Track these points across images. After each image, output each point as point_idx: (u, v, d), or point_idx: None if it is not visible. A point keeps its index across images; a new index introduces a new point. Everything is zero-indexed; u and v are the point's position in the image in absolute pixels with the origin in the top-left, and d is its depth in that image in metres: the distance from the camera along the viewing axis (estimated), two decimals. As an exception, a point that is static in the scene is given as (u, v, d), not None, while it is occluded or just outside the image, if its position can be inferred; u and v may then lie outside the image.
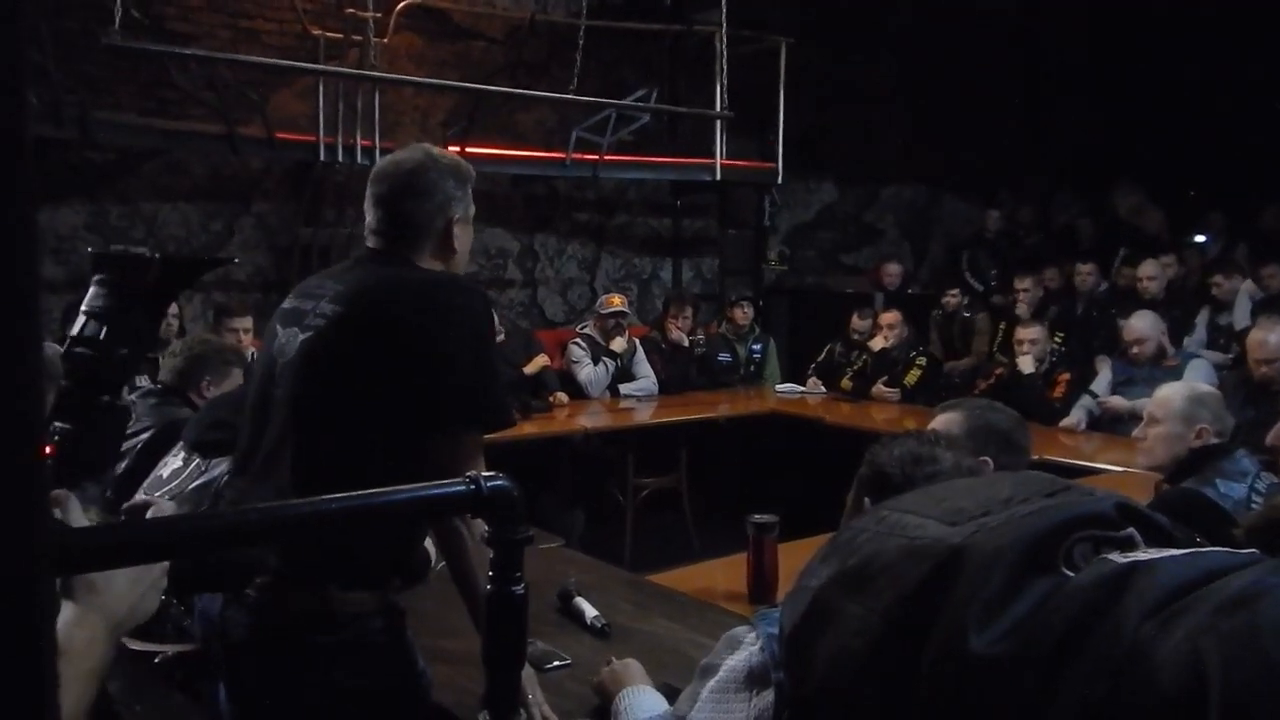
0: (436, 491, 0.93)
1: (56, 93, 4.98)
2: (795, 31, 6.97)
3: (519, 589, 0.96)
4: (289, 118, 5.89)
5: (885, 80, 8.20)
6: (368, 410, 1.71)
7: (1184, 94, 7.76)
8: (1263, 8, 6.89)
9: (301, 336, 1.76)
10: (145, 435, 2.76)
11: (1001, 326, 6.31)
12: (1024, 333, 5.23)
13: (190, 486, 2.40)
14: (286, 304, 1.88)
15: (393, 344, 1.71)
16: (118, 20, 4.56)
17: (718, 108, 6.64)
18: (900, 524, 0.86)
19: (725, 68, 6.34)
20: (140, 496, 2.48)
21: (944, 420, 2.17)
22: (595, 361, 5.87)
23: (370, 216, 1.87)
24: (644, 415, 5.75)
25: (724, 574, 2.71)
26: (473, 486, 0.91)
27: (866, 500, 1.58)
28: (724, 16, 6.16)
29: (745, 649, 1.12)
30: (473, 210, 1.94)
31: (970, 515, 0.82)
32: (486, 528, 0.96)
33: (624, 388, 5.95)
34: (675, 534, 5.55)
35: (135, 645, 2.02)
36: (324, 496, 0.86)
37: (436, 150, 1.91)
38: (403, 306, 1.74)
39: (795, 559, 2.47)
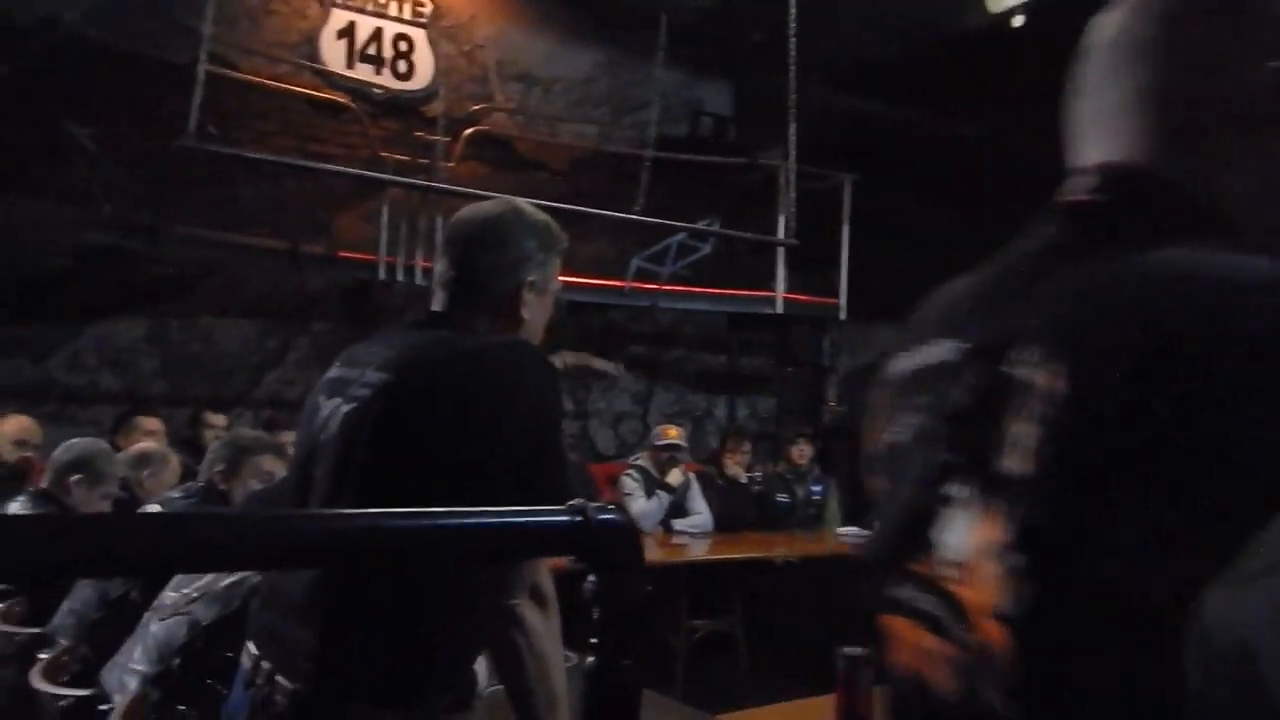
0: (528, 520, 0.71)
1: (128, 204, 5.01)
2: (859, 170, 6.94)
3: (632, 663, 0.72)
4: (352, 240, 5.91)
5: (949, 225, 8.12)
6: (414, 493, 1.45)
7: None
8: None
9: (344, 408, 1.54)
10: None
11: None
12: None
13: (221, 585, 2.19)
14: (331, 372, 1.66)
15: (442, 417, 1.47)
16: (192, 125, 4.59)
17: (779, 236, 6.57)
18: None
19: (792, 197, 6.28)
20: (169, 593, 2.27)
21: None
22: (648, 494, 5.62)
23: (438, 267, 1.67)
24: (698, 552, 5.45)
25: (806, 716, 2.40)
26: (578, 518, 0.70)
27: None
28: (792, 145, 6.12)
29: None
30: (555, 283, 1.70)
31: None
32: (591, 580, 0.73)
33: (677, 523, 5.68)
34: (729, 681, 5.17)
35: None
36: (381, 511, 0.65)
37: (527, 205, 1.70)
38: (455, 376, 1.50)
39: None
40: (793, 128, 6.10)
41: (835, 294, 7.03)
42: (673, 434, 5.79)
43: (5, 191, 4.89)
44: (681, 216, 6.56)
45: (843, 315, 7.11)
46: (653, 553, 5.25)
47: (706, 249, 6.63)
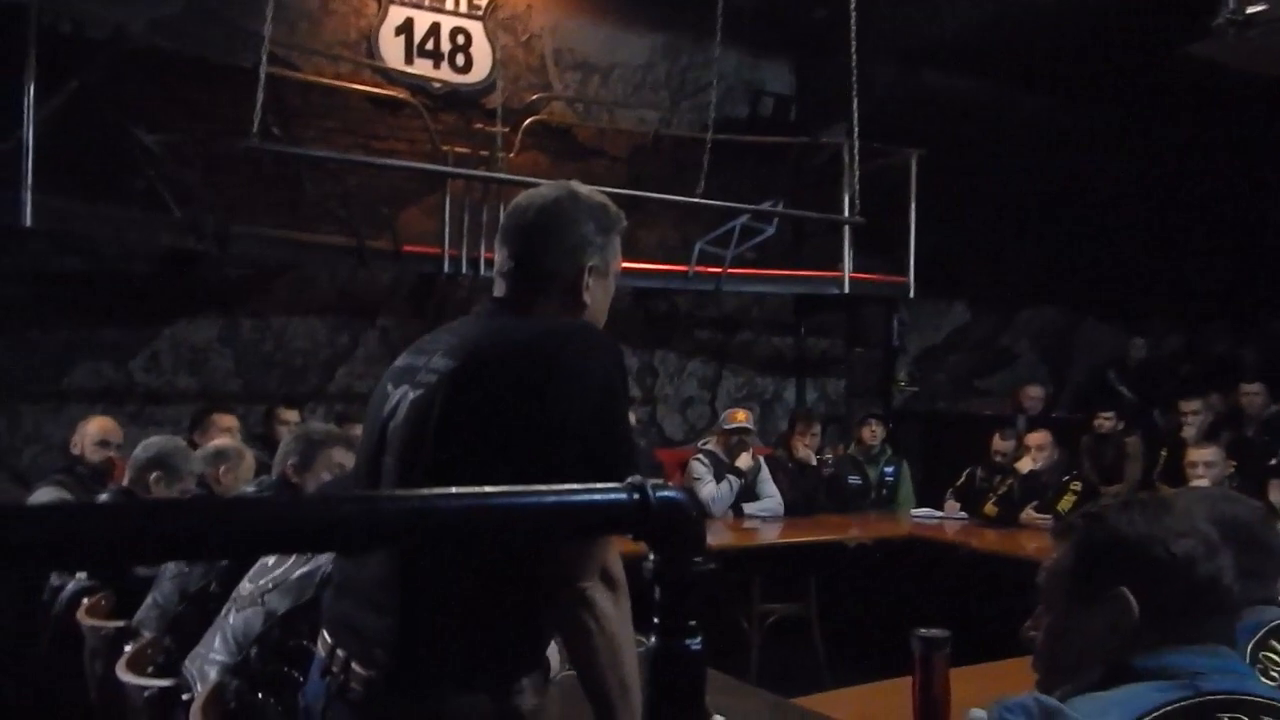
0: (588, 499, 0.69)
1: (199, 209, 5.12)
2: (926, 145, 6.80)
3: (695, 643, 0.70)
4: (416, 234, 5.96)
5: (1019, 197, 7.94)
6: (483, 477, 1.46)
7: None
8: None
9: (412, 395, 1.54)
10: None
11: (1163, 453, 5.83)
12: (1198, 454, 4.77)
13: (294, 575, 2.22)
14: (399, 361, 1.66)
15: (509, 402, 1.47)
16: (256, 126, 4.66)
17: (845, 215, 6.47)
18: None
19: (856, 175, 6.17)
20: (246, 585, 2.31)
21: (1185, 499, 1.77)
22: (718, 479, 5.59)
23: (498, 256, 1.66)
24: (770, 536, 5.41)
25: (882, 698, 2.36)
26: (636, 495, 0.67)
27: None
28: (855, 122, 6.02)
29: None
30: (615, 264, 1.69)
31: None
32: (651, 558, 0.71)
33: (748, 507, 5.64)
34: (804, 665, 5.13)
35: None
36: (445, 490, 0.63)
37: (584, 188, 1.68)
38: (521, 360, 1.50)
39: (964, 686, 2.15)
40: (855, 104, 5.99)
41: (904, 272, 6.91)
42: (741, 417, 5.74)
43: (83, 200, 5.02)
44: (744, 199, 6.50)
45: (911, 294, 6.98)
46: (724, 537, 5.22)
47: (770, 231, 6.55)
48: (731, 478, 5.59)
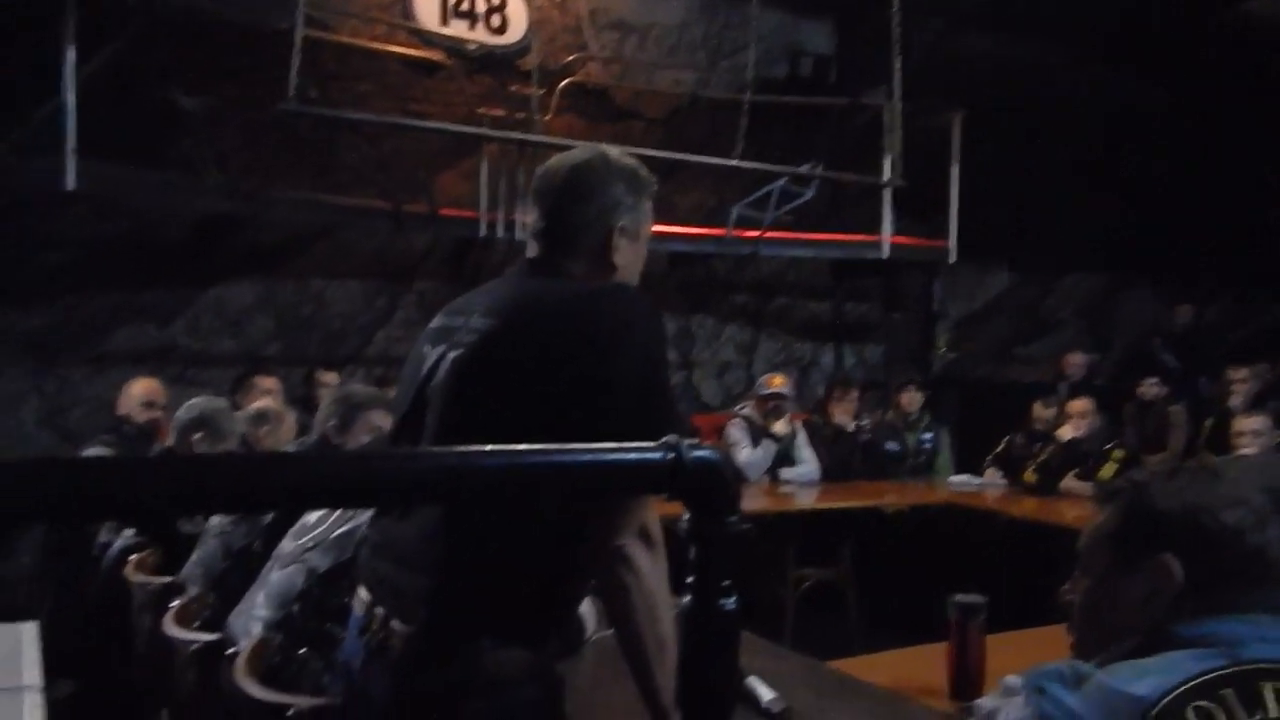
0: (623, 458, 0.68)
1: (236, 171, 5.14)
2: (969, 107, 6.68)
3: (729, 602, 0.69)
4: (452, 198, 5.96)
5: (1062, 162, 7.79)
6: (523, 435, 1.47)
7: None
8: None
9: (452, 355, 1.56)
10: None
11: (1208, 421, 5.74)
12: (1245, 423, 4.70)
13: (335, 534, 2.25)
14: (435, 323, 1.68)
15: (549, 361, 1.49)
16: (292, 89, 4.67)
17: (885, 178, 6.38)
18: None
19: (897, 137, 6.08)
20: (287, 543, 2.35)
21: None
22: (754, 444, 5.59)
23: (531, 218, 1.69)
24: (806, 501, 5.41)
25: (917, 663, 2.35)
26: (671, 454, 0.67)
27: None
28: (897, 83, 5.92)
29: (1006, 702, 0.90)
30: (646, 227, 1.70)
31: None
32: (686, 515, 0.70)
33: (784, 472, 5.63)
34: (838, 630, 5.13)
35: (266, 696, 1.83)
36: (483, 448, 0.63)
37: (615, 151, 1.69)
38: (559, 320, 1.52)
39: (999, 653, 2.14)
40: (897, 64, 5.89)
41: (944, 237, 6.81)
42: (778, 382, 5.72)
43: (124, 164, 5.07)
44: (783, 161, 6.43)
45: (952, 258, 6.89)
46: (760, 502, 5.22)
47: (809, 194, 6.47)
48: (767, 442, 5.59)
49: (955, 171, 6.71)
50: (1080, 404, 5.53)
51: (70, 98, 4.49)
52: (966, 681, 2.11)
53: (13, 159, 4.57)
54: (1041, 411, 5.80)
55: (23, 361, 5.35)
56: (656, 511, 1.49)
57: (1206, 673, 1.01)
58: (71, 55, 4.51)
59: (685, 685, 0.73)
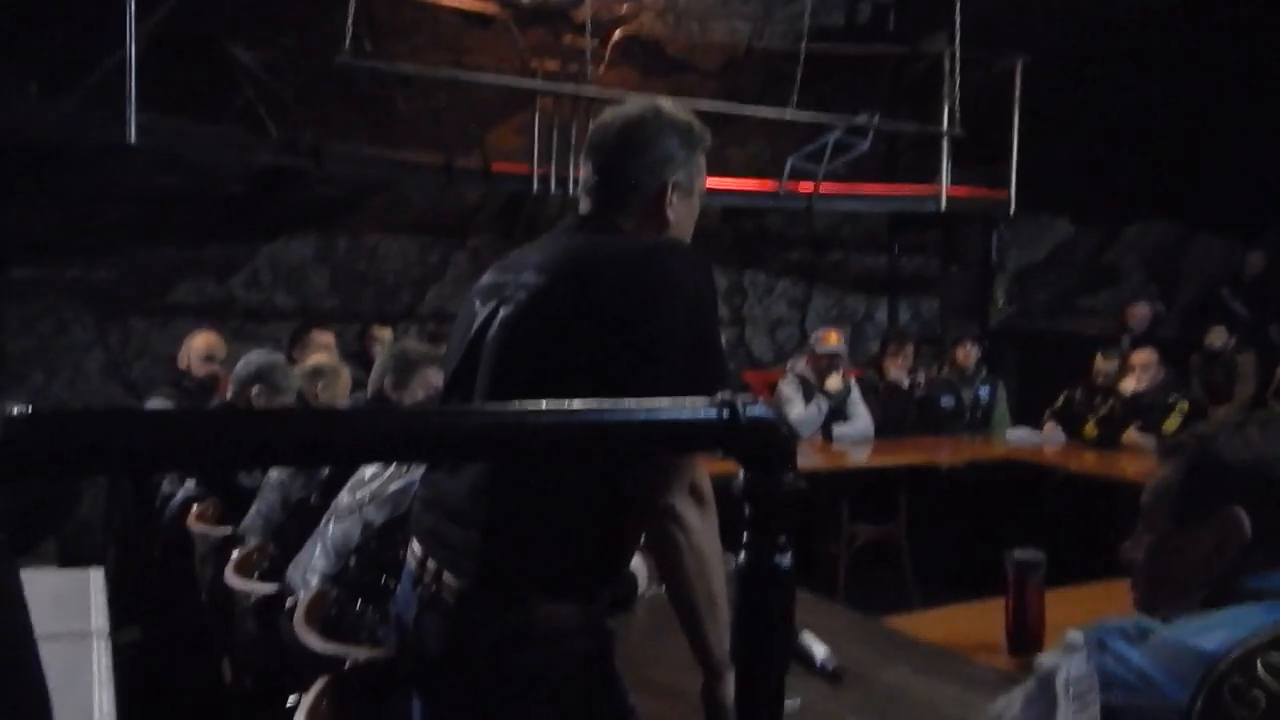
0: (677, 415, 0.67)
1: (294, 125, 5.17)
2: (1031, 52, 6.49)
3: (784, 560, 0.68)
4: (505, 152, 5.94)
5: (1129, 107, 7.55)
6: (575, 392, 1.47)
7: None
8: None
9: (503, 312, 1.56)
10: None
11: (1279, 371, 5.58)
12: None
13: (390, 489, 2.27)
14: (485, 279, 1.68)
15: (601, 317, 1.48)
16: (348, 42, 4.67)
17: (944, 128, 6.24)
18: None
19: (957, 84, 5.93)
20: (344, 497, 2.38)
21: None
22: (807, 401, 5.54)
23: (583, 173, 1.66)
24: (859, 458, 5.36)
25: (974, 620, 2.33)
26: (726, 412, 0.65)
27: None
28: (957, 28, 5.76)
29: (1067, 657, 0.89)
30: (700, 182, 1.68)
31: None
32: (742, 474, 0.69)
33: (837, 429, 5.58)
34: (892, 588, 5.10)
35: (324, 647, 1.86)
36: (537, 405, 0.62)
37: (668, 104, 1.66)
38: (611, 275, 1.50)
39: (1058, 609, 2.10)
40: (958, 8, 5.72)
41: (1004, 187, 6.66)
42: (833, 340, 5.65)
43: (184, 118, 5.12)
44: (839, 112, 6.32)
45: (1012, 210, 6.73)
46: (812, 459, 5.19)
47: (865, 146, 6.36)
48: (820, 399, 5.54)
49: (1016, 119, 6.53)
50: (1143, 355, 5.40)
51: (132, 52, 4.53)
52: (1025, 637, 2.08)
53: (76, 114, 4.63)
54: (1103, 364, 5.68)
55: (88, 314, 5.47)
56: (705, 468, 1.48)
57: (1278, 624, 0.98)
58: (132, 10, 4.54)
59: (740, 642, 0.72)
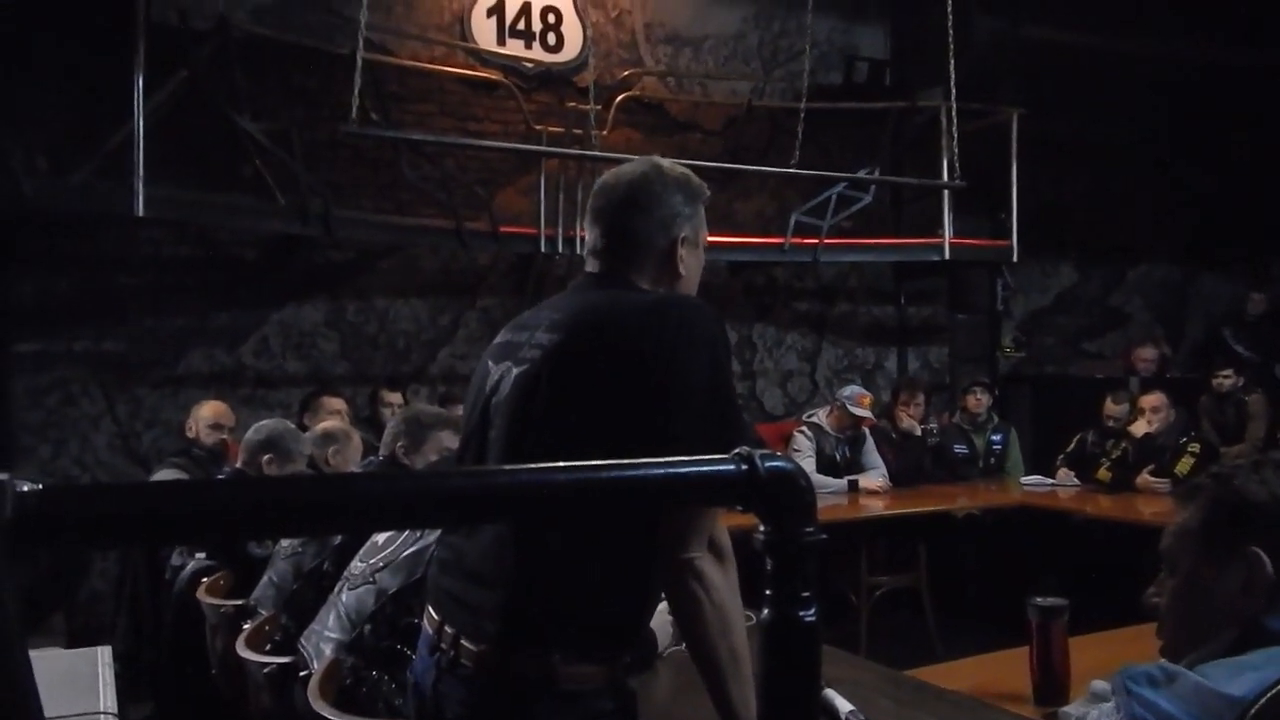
0: (696, 470, 0.67)
1: (304, 194, 5.24)
2: (1027, 101, 6.56)
3: (808, 614, 0.67)
4: (513, 215, 6.01)
5: (1128, 149, 7.61)
6: (591, 449, 1.47)
7: None
8: None
9: (516, 371, 1.56)
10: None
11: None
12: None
13: (405, 554, 2.26)
14: (499, 339, 1.69)
15: (616, 373, 1.48)
16: (354, 111, 4.75)
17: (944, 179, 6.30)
18: None
19: (955, 136, 5.99)
20: (358, 563, 2.36)
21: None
22: (820, 450, 5.52)
23: (589, 235, 1.68)
24: (877, 507, 5.33)
25: (999, 669, 2.29)
26: (745, 466, 0.65)
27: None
28: (953, 83, 5.84)
29: (1095, 707, 0.87)
30: (704, 234, 1.71)
31: None
32: (762, 530, 0.68)
33: (863, 479, 5.54)
34: (914, 637, 5.05)
35: (339, 718, 1.83)
36: (555, 465, 0.62)
37: (666, 162, 1.69)
38: (626, 331, 1.51)
39: (1082, 655, 2.07)
40: (953, 63, 5.80)
41: (1007, 235, 6.70)
42: (867, 404, 5.56)
43: (192, 188, 5.19)
44: (841, 167, 6.37)
45: (1015, 257, 6.77)
46: (831, 510, 5.15)
47: (868, 198, 6.42)
48: (842, 446, 5.55)
49: (1014, 168, 6.60)
50: (1152, 398, 5.38)
51: (139, 125, 4.61)
52: (1051, 686, 2.05)
53: (84, 186, 4.70)
54: (1113, 408, 5.65)
55: (96, 386, 5.49)
56: (724, 523, 1.47)
57: None
58: (139, 83, 4.63)
59: (766, 700, 0.71)
